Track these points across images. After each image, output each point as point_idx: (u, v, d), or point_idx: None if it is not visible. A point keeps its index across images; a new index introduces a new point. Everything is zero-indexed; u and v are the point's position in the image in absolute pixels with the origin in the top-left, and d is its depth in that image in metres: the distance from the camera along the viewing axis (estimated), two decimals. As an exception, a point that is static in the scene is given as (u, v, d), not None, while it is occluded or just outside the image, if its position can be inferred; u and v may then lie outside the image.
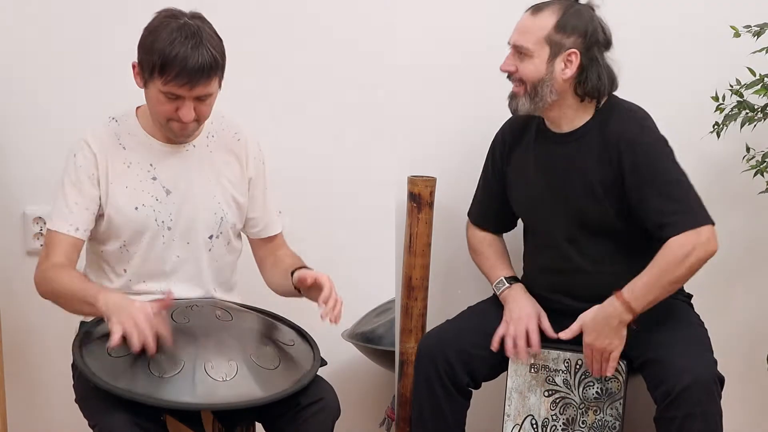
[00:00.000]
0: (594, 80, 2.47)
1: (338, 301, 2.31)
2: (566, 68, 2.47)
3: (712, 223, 2.38)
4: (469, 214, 2.82)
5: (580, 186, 2.50)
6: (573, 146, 2.52)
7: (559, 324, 2.57)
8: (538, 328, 2.56)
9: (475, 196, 2.80)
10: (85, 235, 2.41)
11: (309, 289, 2.39)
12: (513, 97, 2.55)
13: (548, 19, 2.47)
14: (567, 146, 2.53)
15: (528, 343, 2.55)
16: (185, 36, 2.24)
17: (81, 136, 2.42)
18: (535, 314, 2.58)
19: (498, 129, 2.72)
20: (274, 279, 2.58)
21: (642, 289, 2.39)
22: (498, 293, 2.67)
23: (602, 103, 2.52)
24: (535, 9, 2.51)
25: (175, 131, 2.37)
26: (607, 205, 2.48)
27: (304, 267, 2.47)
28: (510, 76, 2.54)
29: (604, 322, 2.44)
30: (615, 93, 2.53)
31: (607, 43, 2.50)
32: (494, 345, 2.58)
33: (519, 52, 2.50)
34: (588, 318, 2.47)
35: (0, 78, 2.79)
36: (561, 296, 2.58)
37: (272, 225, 2.62)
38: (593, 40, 2.47)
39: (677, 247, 2.36)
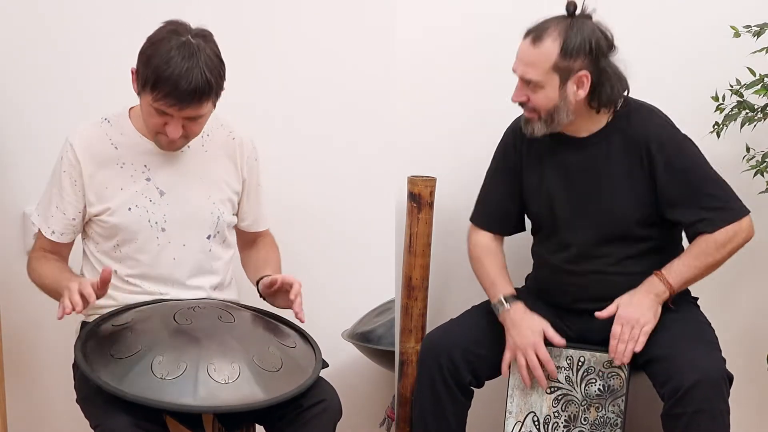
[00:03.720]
0: (608, 92, 2.45)
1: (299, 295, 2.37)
2: (579, 89, 2.43)
3: (749, 212, 2.48)
4: (472, 219, 2.74)
5: (604, 188, 2.50)
6: (594, 149, 2.51)
7: (571, 325, 2.59)
8: (547, 354, 2.52)
9: (479, 197, 2.73)
10: (64, 239, 2.44)
11: (274, 295, 2.44)
12: (527, 122, 2.50)
13: (551, 47, 2.40)
14: (588, 149, 2.52)
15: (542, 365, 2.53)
16: (182, 56, 2.22)
17: (67, 138, 2.42)
18: (540, 335, 2.53)
19: (497, 126, 2.69)
20: (247, 266, 2.65)
21: (680, 268, 2.47)
22: (498, 314, 2.60)
23: (619, 105, 2.50)
24: (535, 37, 2.42)
25: (161, 144, 2.38)
26: (631, 207, 2.49)
27: (267, 275, 2.49)
28: (523, 104, 2.50)
29: (641, 296, 2.46)
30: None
31: (611, 47, 2.45)
32: (504, 372, 2.57)
33: (527, 83, 2.45)
34: (625, 296, 2.49)
35: (0, 78, 2.79)
36: (575, 297, 2.58)
37: (262, 221, 2.65)
38: (599, 54, 2.42)
39: (719, 235, 2.44)
